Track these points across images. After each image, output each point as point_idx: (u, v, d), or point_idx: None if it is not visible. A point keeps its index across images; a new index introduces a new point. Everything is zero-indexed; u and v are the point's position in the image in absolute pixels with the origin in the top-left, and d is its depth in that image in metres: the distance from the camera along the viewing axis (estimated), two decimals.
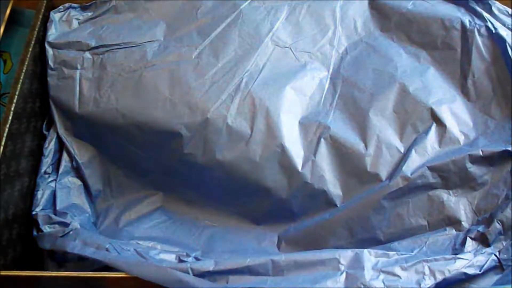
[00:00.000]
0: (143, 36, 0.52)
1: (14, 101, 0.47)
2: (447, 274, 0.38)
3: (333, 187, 0.46)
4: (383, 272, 0.38)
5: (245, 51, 0.51)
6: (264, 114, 0.47)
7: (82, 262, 0.45)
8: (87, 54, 0.52)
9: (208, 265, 0.40)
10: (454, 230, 0.44)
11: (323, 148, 0.47)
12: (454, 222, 0.45)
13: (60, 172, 0.50)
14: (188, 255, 0.44)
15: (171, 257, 0.43)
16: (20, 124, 0.48)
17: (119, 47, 0.51)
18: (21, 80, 0.48)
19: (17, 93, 0.47)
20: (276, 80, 0.50)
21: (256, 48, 0.51)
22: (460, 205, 0.45)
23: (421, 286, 0.37)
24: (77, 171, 0.51)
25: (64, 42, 0.52)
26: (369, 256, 0.39)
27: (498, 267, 0.39)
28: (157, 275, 0.39)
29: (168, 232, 0.48)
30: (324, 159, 0.47)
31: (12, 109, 0.46)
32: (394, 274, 0.38)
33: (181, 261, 0.42)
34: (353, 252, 0.40)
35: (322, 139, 0.47)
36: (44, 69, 0.52)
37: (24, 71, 0.49)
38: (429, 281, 0.38)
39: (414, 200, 0.45)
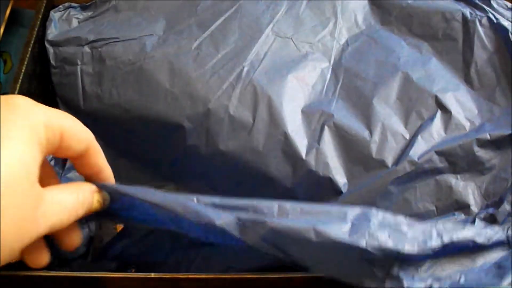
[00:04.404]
0: (142, 31, 0.52)
1: None
2: (455, 239, 0.36)
3: (338, 175, 0.45)
4: (390, 228, 0.36)
5: (245, 41, 0.50)
6: (266, 102, 0.46)
7: (84, 261, 0.45)
8: (86, 48, 0.51)
9: (215, 200, 0.38)
10: (463, 215, 0.44)
11: (327, 136, 0.46)
12: (463, 207, 0.44)
13: (66, 167, 0.50)
14: None
15: None
16: None
17: (117, 40, 0.51)
18: (20, 80, 0.48)
19: (16, 92, 0.47)
20: (278, 69, 0.49)
21: (257, 38, 0.51)
22: (468, 189, 0.44)
23: (427, 245, 0.35)
24: None
25: (63, 39, 0.52)
26: (377, 214, 0.37)
27: (506, 244, 0.37)
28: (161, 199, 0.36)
29: None
30: (328, 146, 0.45)
31: None
32: (401, 232, 0.36)
33: None
34: (361, 209, 0.37)
35: (326, 127, 0.46)
36: (43, 69, 0.52)
37: (23, 71, 0.49)
38: (436, 243, 0.35)
39: (421, 185, 0.44)
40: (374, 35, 0.53)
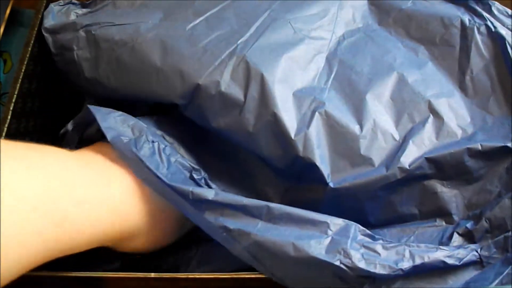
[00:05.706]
0: (138, 18, 0.51)
1: (13, 100, 0.47)
2: (426, 260, 0.37)
3: (323, 164, 0.44)
4: (365, 247, 0.38)
5: (241, 25, 0.49)
6: (259, 80, 0.45)
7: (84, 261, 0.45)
8: (81, 33, 0.50)
9: (208, 194, 0.39)
10: (444, 222, 0.44)
11: (317, 122, 0.45)
12: (445, 214, 0.44)
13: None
14: (200, 173, 0.44)
15: (185, 168, 0.44)
16: (19, 124, 0.48)
17: (112, 24, 0.50)
18: (20, 80, 0.48)
19: (16, 92, 0.47)
20: (273, 48, 0.48)
21: (254, 21, 0.49)
22: (452, 197, 0.44)
23: (398, 265, 0.37)
24: None
25: (60, 26, 0.52)
26: (357, 231, 0.39)
27: (479, 263, 0.39)
28: (160, 188, 0.40)
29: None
30: (317, 133, 0.44)
31: (11, 108, 0.47)
32: (375, 251, 0.38)
33: (191, 177, 0.43)
34: (344, 223, 0.39)
35: (316, 113, 0.45)
36: (43, 69, 0.53)
37: (23, 70, 0.49)
38: (407, 264, 0.37)
39: (408, 189, 0.44)
40: (371, 33, 0.52)
